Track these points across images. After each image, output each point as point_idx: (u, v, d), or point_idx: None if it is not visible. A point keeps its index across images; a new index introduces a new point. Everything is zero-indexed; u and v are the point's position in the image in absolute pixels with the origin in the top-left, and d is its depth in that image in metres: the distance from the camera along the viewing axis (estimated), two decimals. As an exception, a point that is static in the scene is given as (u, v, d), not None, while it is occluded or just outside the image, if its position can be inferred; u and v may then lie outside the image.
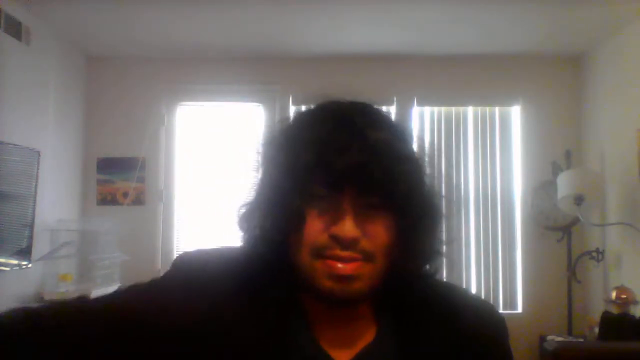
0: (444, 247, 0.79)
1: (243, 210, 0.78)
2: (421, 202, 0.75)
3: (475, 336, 0.78)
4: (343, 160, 0.69)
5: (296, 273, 0.74)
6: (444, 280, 0.87)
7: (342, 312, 0.76)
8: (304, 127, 0.75)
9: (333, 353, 0.75)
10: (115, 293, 0.82)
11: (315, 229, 0.72)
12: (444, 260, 0.80)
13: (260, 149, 0.79)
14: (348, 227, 0.70)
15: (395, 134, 0.75)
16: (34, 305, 0.80)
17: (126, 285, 0.82)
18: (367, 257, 0.71)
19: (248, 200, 0.78)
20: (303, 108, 0.84)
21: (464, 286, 3.85)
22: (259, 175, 0.78)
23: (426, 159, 0.78)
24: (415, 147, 0.78)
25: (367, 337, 0.77)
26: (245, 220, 0.78)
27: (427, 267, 0.78)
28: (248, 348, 0.73)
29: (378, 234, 0.72)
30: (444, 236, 0.79)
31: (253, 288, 0.75)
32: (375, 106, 0.79)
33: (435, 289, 0.81)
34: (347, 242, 0.70)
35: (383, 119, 0.77)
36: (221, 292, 0.75)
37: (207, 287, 0.76)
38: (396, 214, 0.73)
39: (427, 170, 0.78)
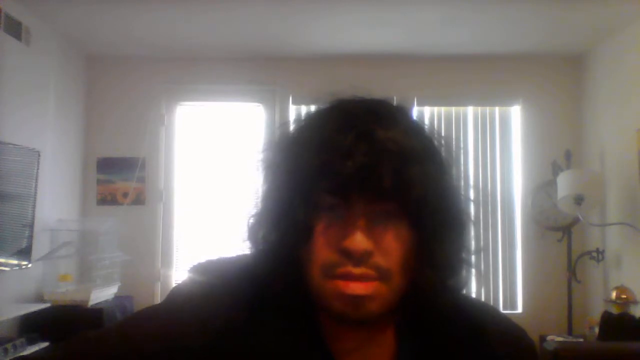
0: (472, 257, 0.70)
1: (250, 221, 0.72)
2: (442, 207, 0.66)
3: None
4: (348, 164, 0.62)
5: (309, 290, 0.67)
6: (472, 296, 0.78)
7: (358, 332, 0.70)
8: (307, 130, 0.68)
9: None
10: (127, 324, 0.74)
11: (323, 244, 0.65)
12: (473, 272, 0.71)
13: (263, 155, 0.72)
14: (359, 239, 0.62)
15: (411, 131, 0.67)
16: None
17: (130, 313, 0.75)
18: (383, 275, 0.64)
19: (254, 210, 0.72)
20: (303, 108, 0.81)
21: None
22: (264, 182, 0.71)
23: (451, 158, 0.70)
24: (436, 144, 0.70)
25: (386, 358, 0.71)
26: (253, 233, 0.71)
27: (453, 281, 0.69)
28: None
29: (393, 247, 0.64)
30: (472, 244, 0.70)
31: (266, 306, 0.69)
32: (390, 102, 0.72)
33: (462, 308, 0.73)
34: (358, 256, 0.62)
35: (396, 115, 0.69)
36: (236, 308, 0.70)
37: (223, 303, 0.70)
38: (413, 222, 0.65)
39: (452, 171, 0.70)
